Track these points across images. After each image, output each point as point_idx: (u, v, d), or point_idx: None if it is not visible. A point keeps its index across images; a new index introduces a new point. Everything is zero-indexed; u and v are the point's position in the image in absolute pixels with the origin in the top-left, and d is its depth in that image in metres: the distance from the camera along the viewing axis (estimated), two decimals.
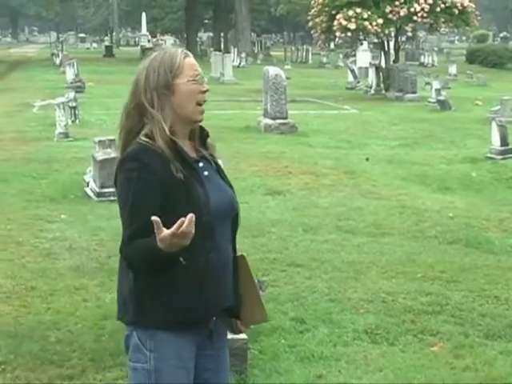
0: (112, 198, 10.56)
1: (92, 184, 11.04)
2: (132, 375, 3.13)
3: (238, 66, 41.09)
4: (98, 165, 10.84)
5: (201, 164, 3.12)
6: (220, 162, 3.26)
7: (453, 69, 36.28)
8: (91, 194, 10.88)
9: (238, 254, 3.25)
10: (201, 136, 3.19)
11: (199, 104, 3.09)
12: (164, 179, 2.96)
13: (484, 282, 7.31)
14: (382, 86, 28.07)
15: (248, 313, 3.27)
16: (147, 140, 3.01)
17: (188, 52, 3.16)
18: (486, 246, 8.65)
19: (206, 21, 74.56)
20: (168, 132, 3.01)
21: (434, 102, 23.38)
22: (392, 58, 28.91)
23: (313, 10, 28.43)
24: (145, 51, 50.25)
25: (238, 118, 19.44)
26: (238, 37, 52.78)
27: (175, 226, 2.75)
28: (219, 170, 3.22)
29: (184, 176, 2.98)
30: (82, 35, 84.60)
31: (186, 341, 3.08)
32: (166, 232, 2.76)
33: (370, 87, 28.86)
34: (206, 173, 3.11)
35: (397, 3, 26.15)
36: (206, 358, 3.19)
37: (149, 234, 2.82)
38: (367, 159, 14.24)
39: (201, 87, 3.09)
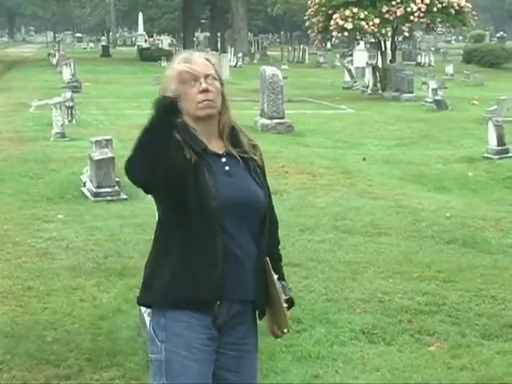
0: (109, 197, 10.58)
1: (89, 184, 11.03)
2: (151, 366, 3.25)
3: (235, 66, 41.12)
4: (94, 165, 10.83)
5: (223, 159, 3.23)
6: (258, 162, 3.34)
7: (449, 69, 36.33)
8: (88, 194, 10.87)
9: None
10: (231, 135, 3.29)
11: (200, 102, 3.18)
12: (180, 154, 3.09)
13: (481, 281, 7.31)
14: (378, 85, 28.09)
15: (273, 317, 3.33)
16: None
17: (193, 54, 3.29)
18: (483, 246, 8.65)
19: (203, 21, 74.65)
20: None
21: (430, 102, 23.39)
22: (389, 57, 28.91)
23: (309, 10, 28.45)
24: (142, 51, 50.42)
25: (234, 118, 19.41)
26: (235, 37, 52.80)
27: None
28: (250, 169, 3.27)
29: (195, 162, 3.11)
30: (78, 35, 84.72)
31: (196, 332, 3.13)
32: None
33: (367, 87, 28.88)
34: (226, 167, 3.21)
35: (393, 3, 26.17)
36: (228, 357, 3.24)
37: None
38: (364, 159, 14.25)
39: (198, 87, 3.17)
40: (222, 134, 3.27)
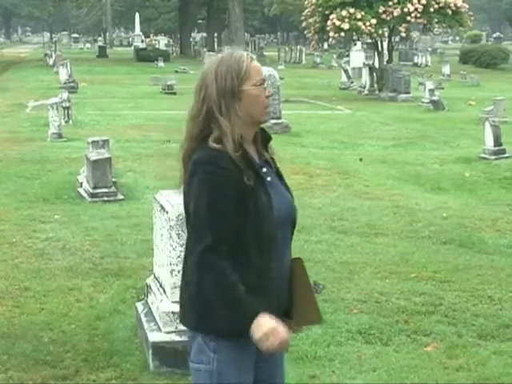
0: (105, 198, 10.57)
1: (85, 184, 11.02)
2: (194, 376, 3.14)
3: None
4: (91, 165, 10.82)
5: (264, 169, 3.10)
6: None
7: (446, 69, 36.35)
8: (84, 195, 10.86)
9: (294, 256, 3.20)
10: (263, 138, 3.17)
11: (266, 107, 3.08)
12: (239, 184, 2.94)
13: (477, 282, 7.31)
14: (375, 86, 28.12)
15: (302, 314, 3.23)
16: (218, 146, 2.97)
17: (253, 55, 3.12)
18: (480, 246, 8.65)
19: (200, 21, 74.66)
20: (237, 138, 2.98)
21: (427, 103, 23.41)
22: (385, 58, 28.96)
23: (306, 11, 28.49)
24: (138, 51, 50.40)
25: None
26: (232, 37, 52.76)
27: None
28: (279, 173, 3.21)
29: (253, 184, 2.97)
30: (75, 35, 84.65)
31: (246, 351, 3.05)
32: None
33: (364, 87, 28.91)
34: (268, 178, 3.10)
35: (390, 3, 26.24)
36: (262, 361, 3.15)
37: (228, 241, 2.92)
38: (360, 159, 14.25)
39: (266, 92, 3.07)
40: (257, 138, 3.14)
